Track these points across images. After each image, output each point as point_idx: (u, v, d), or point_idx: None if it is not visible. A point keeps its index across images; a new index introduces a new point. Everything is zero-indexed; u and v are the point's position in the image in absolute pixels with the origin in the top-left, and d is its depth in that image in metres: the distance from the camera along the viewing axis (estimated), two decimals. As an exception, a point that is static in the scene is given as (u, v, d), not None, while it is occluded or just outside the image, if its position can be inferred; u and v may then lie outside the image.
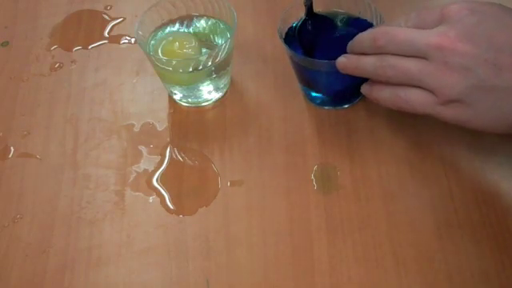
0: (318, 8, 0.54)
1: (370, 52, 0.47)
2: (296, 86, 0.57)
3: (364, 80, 0.51)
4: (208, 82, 0.56)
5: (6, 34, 0.65)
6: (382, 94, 0.48)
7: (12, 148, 0.56)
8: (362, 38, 0.48)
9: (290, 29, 0.54)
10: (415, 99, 0.45)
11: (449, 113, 0.44)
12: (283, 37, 0.53)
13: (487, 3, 0.44)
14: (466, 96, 0.43)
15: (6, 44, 0.65)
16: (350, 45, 0.49)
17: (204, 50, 0.56)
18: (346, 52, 0.50)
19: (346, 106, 0.56)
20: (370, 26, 0.53)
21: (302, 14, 0.54)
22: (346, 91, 0.55)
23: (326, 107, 0.56)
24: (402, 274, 0.46)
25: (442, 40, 0.43)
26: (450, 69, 0.43)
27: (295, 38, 0.54)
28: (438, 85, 0.43)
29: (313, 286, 0.46)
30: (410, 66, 0.45)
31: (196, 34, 0.57)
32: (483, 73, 0.42)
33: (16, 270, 0.49)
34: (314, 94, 0.56)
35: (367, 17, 0.53)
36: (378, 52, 0.46)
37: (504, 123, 0.43)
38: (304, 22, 0.54)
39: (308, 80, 0.55)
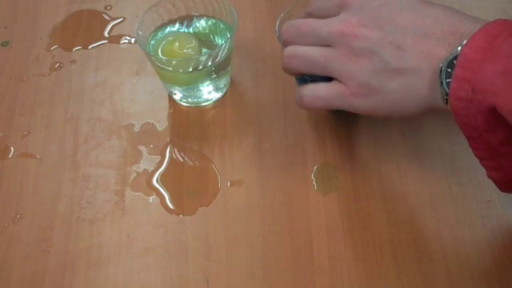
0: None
1: (284, 47, 0.48)
2: (296, 85, 0.57)
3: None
4: (208, 82, 0.56)
5: (6, 34, 0.65)
6: (305, 99, 0.47)
7: (12, 148, 0.56)
8: (282, 27, 0.48)
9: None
10: (330, 93, 0.45)
11: (360, 102, 0.44)
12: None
13: None
14: (374, 80, 0.43)
15: (5, 44, 0.65)
16: None
17: (204, 50, 0.56)
18: None
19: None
20: None
21: (302, 14, 0.54)
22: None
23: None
24: (402, 274, 0.46)
25: (345, 26, 0.43)
26: (355, 54, 0.43)
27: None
28: (345, 71, 0.43)
29: (313, 286, 0.46)
30: (316, 54, 0.45)
31: (196, 34, 0.57)
32: (388, 55, 0.42)
33: (16, 270, 0.49)
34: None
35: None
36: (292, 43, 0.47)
37: (413, 105, 0.43)
38: None
39: (306, 81, 0.55)
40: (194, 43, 0.55)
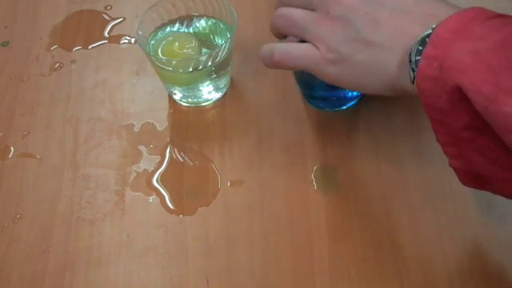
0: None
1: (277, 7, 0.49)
2: (296, 85, 0.57)
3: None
4: (208, 82, 0.56)
5: (6, 34, 0.65)
6: (276, 54, 0.47)
7: (12, 148, 0.56)
8: None
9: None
10: (302, 53, 0.45)
11: (328, 68, 0.44)
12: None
13: None
14: (344, 48, 0.43)
15: (5, 44, 0.65)
16: None
17: (204, 50, 0.56)
18: None
19: (344, 107, 0.56)
20: None
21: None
22: (345, 94, 0.55)
23: (326, 109, 0.56)
24: (402, 274, 0.46)
25: None
26: (331, 18, 0.44)
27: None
28: (318, 34, 0.44)
29: (313, 286, 0.46)
30: (298, 16, 0.46)
31: (196, 34, 0.57)
32: (362, 25, 0.42)
33: (16, 270, 0.49)
34: (312, 96, 0.56)
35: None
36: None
37: (379, 81, 0.43)
38: None
39: (306, 82, 0.55)
40: (194, 43, 0.55)
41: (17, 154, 0.56)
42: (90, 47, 0.64)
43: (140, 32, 0.54)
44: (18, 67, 0.62)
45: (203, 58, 0.52)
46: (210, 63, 0.53)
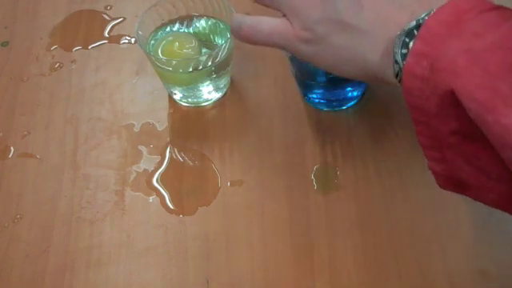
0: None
1: None
2: (296, 85, 0.57)
3: (360, 82, 0.51)
4: (208, 82, 0.56)
5: (6, 34, 0.65)
6: (245, 28, 0.43)
7: (12, 148, 0.56)
8: None
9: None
10: (273, 29, 0.41)
11: (303, 47, 0.40)
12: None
13: None
14: (320, 28, 0.39)
15: (5, 44, 0.65)
16: None
17: (204, 50, 0.56)
18: None
19: (344, 107, 0.56)
20: None
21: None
22: (345, 94, 0.55)
23: (326, 109, 0.56)
24: (402, 274, 0.46)
25: None
26: None
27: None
28: (294, 9, 0.40)
29: (313, 286, 0.46)
30: None
31: (196, 34, 0.57)
32: (343, 7, 0.38)
33: (16, 269, 0.49)
34: (312, 96, 0.56)
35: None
36: None
37: (356, 68, 0.39)
38: None
39: (306, 82, 0.55)
40: (194, 43, 0.55)
41: (17, 154, 0.56)
42: (89, 47, 0.64)
43: (140, 32, 0.54)
44: (18, 67, 0.62)
45: (203, 58, 0.52)
46: (209, 63, 0.53)
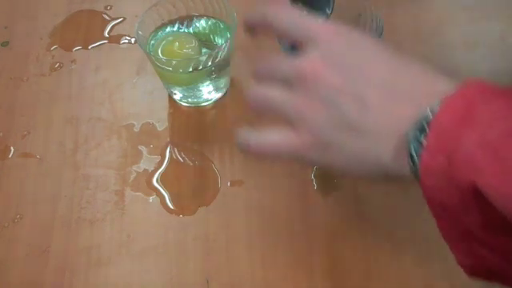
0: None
1: (255, 82, 0.42)
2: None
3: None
4: (208, 82, 0.56)
5: (6, 34, 0.65)
6: (252, 143, 0.41)
7: (12, 148, 0.56)
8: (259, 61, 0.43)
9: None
10: (280, 141, 0.39)
11: (312, 155, 0.38)
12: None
13: (362, 33, 0.39)
14: (327, 134, 0.37)
15: (5, 44, 0.65)
16: None
17: (204, 50, 0.56)
18: None
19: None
20: None
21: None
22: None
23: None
24: (402, 274, 0.46)
25: (307, 66, 0.38)
26: (312, 100, 0.37)
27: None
28: (299, 118, 0.38)
29: (313, 286, 0.46)
30: (274, 94, 0.39)
31: (196, 34, 0.57)
32: (348, 109, 0.36)
33: (16, 269, 0.49)
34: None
35: (367, 18, 0.53)
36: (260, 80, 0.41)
37: (371, 171, 0.37)
38: None
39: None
40: (194, 43, 0.55)
41: (17, 154, 0.56)
42: (89, 47, 0.64)
43: (140, 32, 0.54)
44: (17, 67, 0.62)
45: (203, 58, 0.52)
46: (209, 63, 0.53)
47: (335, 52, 0.38)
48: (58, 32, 0.65)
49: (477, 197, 0.31)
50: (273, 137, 0.39)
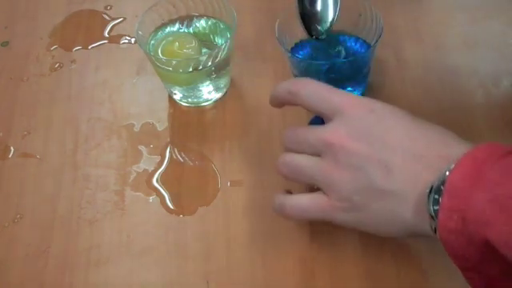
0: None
1: (284, 151, 0.45)
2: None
3: (360, 82, 0.51)
4: (208, 82, 0.56)
5: (6, 34, 0.65)
6: (287, 208, 0.45)
7: (12, 148, 0.56)
8: (285, 131, 0.46)
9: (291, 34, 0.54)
10: (311, 204, 0.43)
11: (342, 216, 0.42)
12: (281, 39, 0.53)
13: (387, 104, 0.43)
14: (356, 197, 0.41)
15: (5, 44, 0.65)
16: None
17: (204, 50, 0.56)
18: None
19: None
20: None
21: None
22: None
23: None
24: (402, 274, 0.46)
25: (334, 137, 0.42)
26: (340, 167, 0.41)
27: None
28: (328, 183, 0.42)
29: (313, 286, 0.46)
30: (304, 163, 0.43)
31: (196, 34, 0.57)
32: (374, 174, 0.40)
33: (16, 270, 0.49)
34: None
35: (367, 18, 0.53)
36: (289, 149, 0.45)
37: (396, 229, 0.41)
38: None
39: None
40: (194, 43, 0.55)
41: (17, 154, 0.56)
42: (90, 47, 0.64)
43: (140, 32, 0.54)
44: (18, 67, 0.62)
45: (203, 58, 0.52)
46: (209, 63, 0.53)
47: (359, 123, 0.42)
48: (58, 32, 0.65)
49: (492, 250, 0.34)
50: (305, 201, 0.44)
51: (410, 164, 0.39)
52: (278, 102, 0.48)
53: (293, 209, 0.44)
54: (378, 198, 0.40)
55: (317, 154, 0.43)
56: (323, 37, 0.53)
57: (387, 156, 0.40)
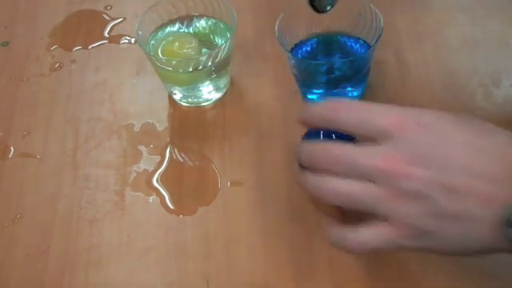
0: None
1: (308, 167, 0.42)
2: (296, 85, 0.57)
3: (360, 82, 0.51)
4: (208, 82, 0.56)
5: (6, 34, 0.65)
6: (349, 243, 0.40)
7: (12, 148, 0.56)
8: (302, 147, 0.43)
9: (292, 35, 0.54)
10: (376, 237, 0.40)
11: (412, 243, 0.39)
12: (282, 40, 0.53)
13: (435, 112, 0.40)
14: (426, 224, 0.38)
15: (5, 44, 0.65)
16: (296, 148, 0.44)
17: (204, 50, 0.56)
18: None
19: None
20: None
21: (302, 14, 0.53)
22: (345, 94, 0.55)
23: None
24: (402, 273, 0.46)
25: (389, 163, 0.38)
26: (404, 195, 0.38)
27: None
28: (393, 213, 0.38)
29: (313, 286, 0.46)
30: (356, 190, 0.39)
31: (196, 34, 0.57)
32: (440, 198, 0.37)
33: (16, 270, 0.49)
34: (312, 96, 0.56)
35: (367, 18, 0.53)
36: (315, 168, 0.41)
37: (469, 247, 0.39)
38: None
39: (306, 82, 0.55)
40: (194, 43, 0.55)
41: (17, 154, 0.56)
42: (90, 47, 0.64)
43: (140, 32, 0.54)
44: (18, 67, 0.62)
45: (203, 58, 0.52)
46: (209, 63, 0.53)
47: (413, 146, 0.38)
48: (58, 32, 0.65)
49: None
50: (368, 234, 0.40)
51: (477, 184, 0.37)
52: (308, 125, 0.45)
53: (355, 242, 0.40)
54: (448, 222, 0.38)
55: (364, 178, 0.39)
56: (328, 9, 0.51)
57: (452, 178, 0.37)
